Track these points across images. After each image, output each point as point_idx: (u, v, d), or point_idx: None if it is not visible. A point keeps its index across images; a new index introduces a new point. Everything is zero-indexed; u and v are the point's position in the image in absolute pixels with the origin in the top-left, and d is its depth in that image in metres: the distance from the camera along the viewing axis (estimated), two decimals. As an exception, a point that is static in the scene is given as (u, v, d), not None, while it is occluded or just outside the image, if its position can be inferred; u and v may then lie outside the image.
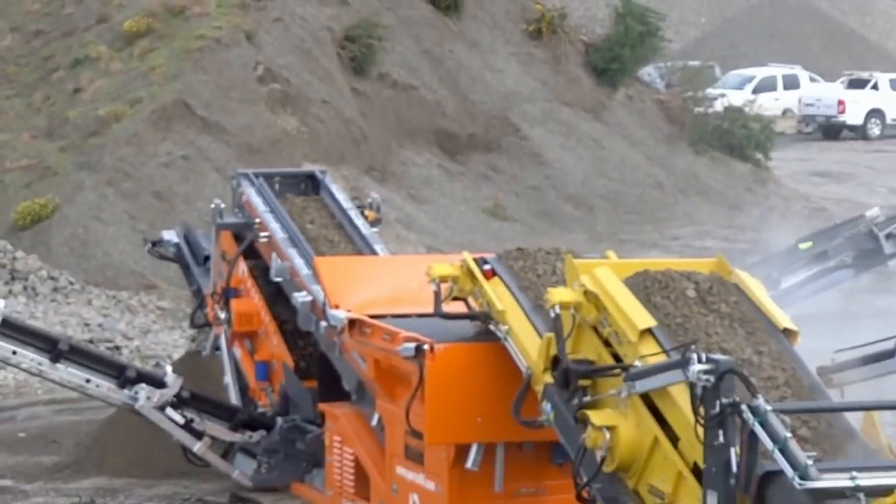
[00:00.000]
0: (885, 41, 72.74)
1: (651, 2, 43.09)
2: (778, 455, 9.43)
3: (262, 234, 16.17)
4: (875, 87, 56.37)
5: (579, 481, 11.24)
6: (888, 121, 54.44)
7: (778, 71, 57.45)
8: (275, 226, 16.20)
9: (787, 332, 11.18)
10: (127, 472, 17.84)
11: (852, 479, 9.18)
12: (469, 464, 12.92)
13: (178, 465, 16.79)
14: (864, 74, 58.76)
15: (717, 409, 9.66)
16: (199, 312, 18.10)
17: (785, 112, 52.70)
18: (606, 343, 11.20)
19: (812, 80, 58.26)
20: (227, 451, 16.29)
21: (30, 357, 15.65)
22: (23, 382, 19.97)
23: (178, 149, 30.64)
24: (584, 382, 11.19)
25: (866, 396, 11.97)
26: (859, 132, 55.02)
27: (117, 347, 20.68)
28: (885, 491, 9.01)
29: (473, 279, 12.95)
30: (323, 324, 14.74)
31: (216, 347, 17.34)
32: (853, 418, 10.61)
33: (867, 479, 9.26)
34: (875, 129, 54.57)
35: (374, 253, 16.38)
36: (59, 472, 18.37)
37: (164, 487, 17.36)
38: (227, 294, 16.93)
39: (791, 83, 56.37)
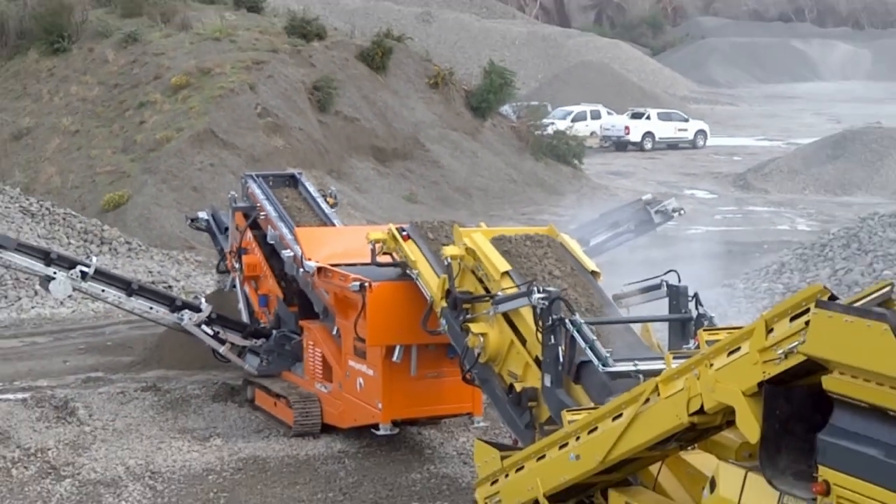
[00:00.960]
0: (653, 89, 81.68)
1: (506, 63, 53.01)
2: (588, 351, 11.84)
3: (261, 213, 19.83)
4: (648, 117, 67.07)
5: (464, 368, 13.91)
6: (657, 139, 65.59)
7: (587, 108, 68.35)
8: (269, 208, 19.40)
9: (594, 273, 14.24)
10: (176, 366, 21.62)
11: (635, 365, 11.72)
12: (394, 357, 16.23)
13: (209, 361, 20.59)
14: (641, 110, 69.33)
15: (550, 322, 12.02)
16: (221, 263, 21.99)
17: (591, 133, 63.06)
18: (480, 281, 13.68)
19: (609, 113, 69.00)
20: (241, 352, 19.86)
21: (114, 293, 19.56)
22: (110, 310, 22.90)
23: (207, 159, 36.90)
24: (466, 306, 13.91)
25: (643, 313, 13.88)
26: (638, 146, 65.16)
27: (170, 287, 23.74)
28: (655, 373, 10.52)
29: (396, 241, 16.06)
30: (301, 270, 18.23)
31: (233, 286, 21.14)
32: (636, 328, 13.44)
33: (644, 365, 11.64)
34: (648, 144, 65.61)
35: (332, 225, 20.06)
36: (133, 367, 22.24)
37: (200, 376, 20.99)
38: (240, 252, 20.65)
39: (595, 115, 67.58)
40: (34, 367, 21.93)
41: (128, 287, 19.76)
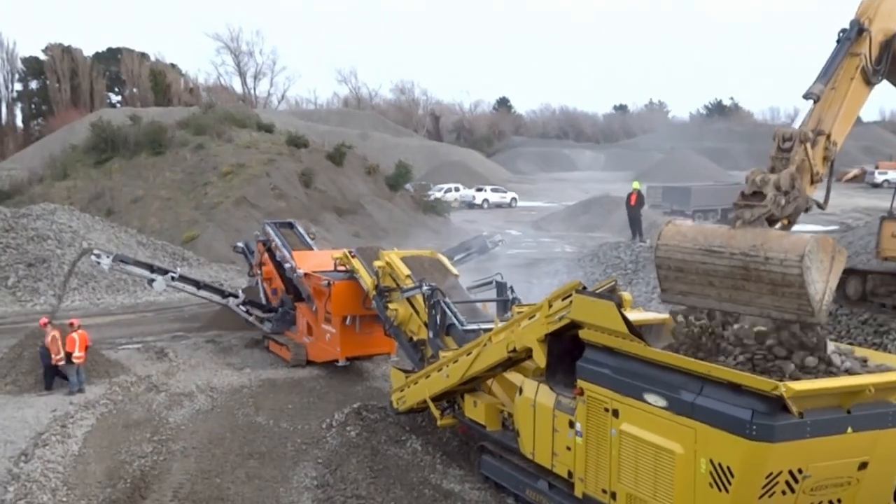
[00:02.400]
0: (487, 175, 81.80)
1: (407, 161, 50.25)
2: (453, 318, 11.76)
3: (273, 242, 19.13)
4: (485, 190, 64.64)
5: (385, 328, 13.78)
6: (490, 202, 62.39)
7: (452, 185, 64.45)
8: (277, 240, 18.66)
9: (455, 276, 14.17)
10: (225, 328, 20.79)
11: (479, 326, 11.53)
12: (347, 322, 16.20)
13: (243, 325, 19.98)
14: (481, 186, 66.59)
15: (432, 302, 11.96)
16: (250, 271, 21.16)
17: (454, 199, 59.76)
18: (394, 280, 13.42)
19: (465, 188, 65.38)
20: (261, 319, 19.37)
21: (190, 288, 19.41)
22: (187, 298, 21.59)
23: (243, 214, 35.39)
24: (386, 294, 13.41)
25: (483, 296, 13.88)
26: (480, 206, 61.84)
27: (221, 284, 22.51)
28: (489, 330, 10.40)
29: (348, 258, 15.23)
30: (295, 274, 17.85)
31: (257, 283, 20.36)
32: (479, 305, 12.82)
33: (483, 326, 11.38)
34: (485, 205, 62.12)
35: (312, 249, 19.18)
36: (197, 329, 21.40)
37: (238, 333, 20.22)
38: (261, 264, 20.14)
39: (456, 189, 63.66)
40: (144, 329, 21.46)
41: (197, 284, 19.54)
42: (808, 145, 9.87)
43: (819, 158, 10.09)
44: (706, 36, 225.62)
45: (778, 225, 9.57)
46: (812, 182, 9.93)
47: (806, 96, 10.21)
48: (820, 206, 9.93)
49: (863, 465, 6.85)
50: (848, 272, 16.07)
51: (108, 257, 18.56)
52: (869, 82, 10.58)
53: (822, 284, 8.72)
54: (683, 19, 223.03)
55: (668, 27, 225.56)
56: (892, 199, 16.32)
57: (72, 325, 15.57)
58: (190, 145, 42.33)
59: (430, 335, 12.36)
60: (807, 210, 9.84)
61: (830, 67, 10.46)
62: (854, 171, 75.34)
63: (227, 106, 61.61)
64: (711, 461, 6.80)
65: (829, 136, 10.10)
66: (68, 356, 15.16)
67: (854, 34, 10.27)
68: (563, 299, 8.84)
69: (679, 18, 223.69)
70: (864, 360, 7.36)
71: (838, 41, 10.46)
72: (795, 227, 9.64)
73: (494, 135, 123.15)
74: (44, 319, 15.90)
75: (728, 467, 6.67)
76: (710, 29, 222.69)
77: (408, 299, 13.13)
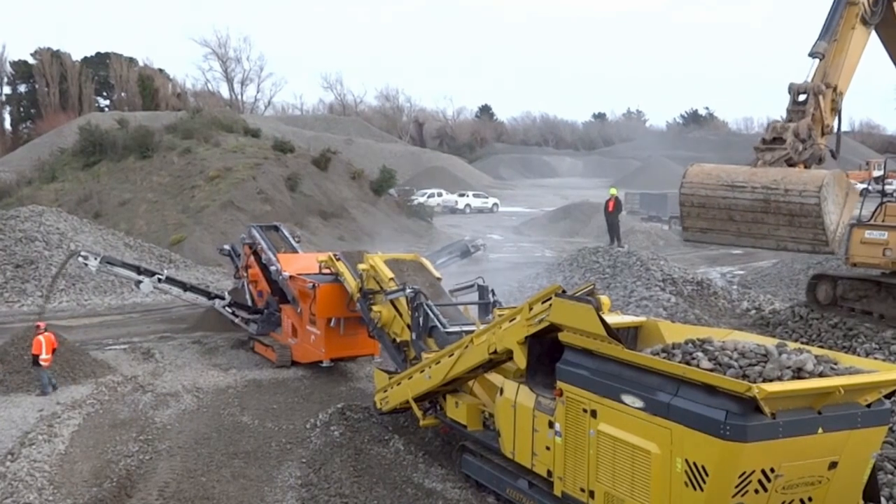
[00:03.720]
0: (469, 181, 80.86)
1: (391, 166, 50.07)
2: (435, 320, 11.64)
3: (259, 245, 19.01)
4: (467, 195, 64.69)
5: (369, 330, 13.59)
6: (472, 207, 62.44)
7: (435, 190, 64.24)
8: (263, 243, 18.51)
9: (438, 279, 14.08)
10: (211, 329, 20.51)
11: (460, 328, 11.45)
12: (331, 324, 16.05)
13: (229, 327, 19.85)
14: (463, 192, 66.49)
15: (415, 304, 11.87)
16: (236, 273, 20.96)
17: (437, 204, 58.93)
18: (377, 283, 13.31)
19: (448, 193, 65.33)
20: (247, 321, 19.19)
21: (176, 290, 19.33)
22: (173, 300, 21.63)
23: (229, 217, 35.19)
24: (370, 296, 13.31)
25: (465, 299, 13.62)
26: (462, 211, 61.99)
27: (207, 286, 22.25)
28: (471, 332, 10.39)
29: (332, 261, 15.11)
30: (281, 277, 17.75)
31: (243, 285, 20.14)
32: (461, 308, 12.78)
33: (465, 328, 11.35)
34: (467, 210, 62.21)
35: (297, 252, 19.28)
36: (184, 330, 21.06)
37: (224, 334, 19.99)
38: (246, 267, 19.90)
39: (439, 195, 63.39)
40: (130, 330, 21.27)
41: (184, 286, 19.45)
42: (821, 97, 10.59)
43: (828, 110, 10.86)
44: (683, 46, 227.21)
45: (798, 168, 10.15)
46: (823, 133, 10.79)
47: (812, 55, 11.03)
48: (833, 155, 10.96)
49: (833, 465, 6.91)
50: (819, 277, 16.46)
51: (95, 259, 18.40)
52: (867, 24, 11.27)
53: (836, 216, 9.34)
54: (661, 29, 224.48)
55: (646, 37, 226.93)
56: (860, 207, 16.64)
57: (38, 327, 15.22)
58: (177, 149, 42.10)
59: (413, 337, 12.31)
60: (820, 161, 10.59)
61: (832, 23, 11.13)
62: None
63: (214, 111, 61.32)
64: (687, 461, 6.83)
65: (835, 88, 10.77)
66: (35, 358, 14.85)
67: None
68: (543, 302, 8.83)
69: (657, 28, 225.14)
70: (835, 363, 7.40)
71: None
72: None
73: (477, 141, 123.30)
74: (40, 324, 15.62)
75: (703, 466, 6.71)
76: (686, 39, 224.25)
77: (391, 302, 13.07)
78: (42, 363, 14.84)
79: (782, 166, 10.17)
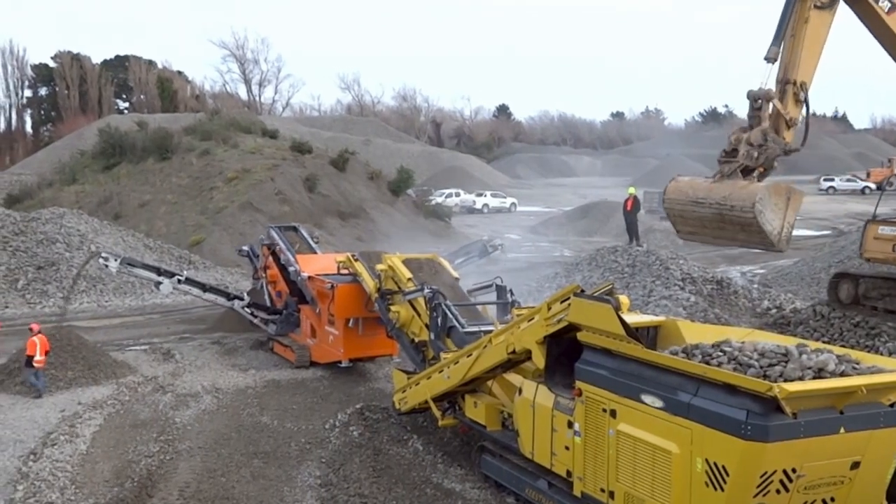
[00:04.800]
0: (487, 180, 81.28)
1: (409, 166, 49.31)
2: (454, 320, 11.64)
3: (277, 246, 19.08)
4: (485, 195, 64.29)
5: (387, 330, 13.57)
6: (490, 207, 62.27)
7: (453, 190, 64.11)
8: (282, 244, 18.57)
9: (457, 279, 14.09)
10: (231, 330, 20.62)
11: (479, 328, 11.41)
12: (350, 324, 16.01)
13: (248, 327, 19.78)
14: (481, 191, 66.20)
15: (433, 305, 11.85)
16: (255, 274, 20.89)
17: (455, 204, 58.93)
18: (396, 283, 13.28)
19: (466, 193, 64.97)
20: (266, 321, 19.18)
21: (196, 291, 19.24)
22: (193, 300, 21.65)
23: (247, 218, 35.36)
24: (388, 297, 13.82)
25: (483, 299, 13.77)
26: (480, 211, 61.71)
27: (227, 287, 22.36)
28: (489, 332, 10.42)
29: (351, 262, 15.05)
30: (300, 277, 17.77)
31: (262, 286, 20.02)
32: (479, 308, 12.70)
33: (483, 328, 11.31)
34: (485, 210, 61.85)
35: (316, 253, 19.41)
36: (203, 331, 21.18)
37: (244, 335, 20.08)
38: (265, 267, 19.87)
39: (457, 195, 63.11)
40: (151, 331, 21.41)
41: (203, 287, 19.48)
42: (775, 100, 11.61)
43: (791, 104, 11.76)
44: (702, 44, 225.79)
45: (756, 172, 11.53)
46: (788, 127, 11.79)
47: (766, 59, 11.83)
48: (794, 151, 11.99)
49: (855, 465, 6.85)
50: (840, 276, 16.47)
51: (115, 260, 18.52)
52: (824, 8, 11.96)
53: (777, 221, 10.88)
54: (680, 27, 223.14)
55: (665, 35, 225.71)
56: (877, 203, 16.78)
57: (31, 329, 15.24)
58: (196, 151, 42.36)
59: (432, 337, 12.29)
60: (787, 153, 11.82)
61: (783, 23, 11.89)
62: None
63: (232, 112, 61.62)
64: (707, 461, 6.79)
65: (795, 82, 11.67)
66: (29, 360, 14.89)
67: None
68: (562, 302, 8.81)
69: (675, 26, 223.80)
70: (857, 362, 7.34)
71: None
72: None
73: (494, 141, 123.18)
74: (33, 326, 15.59)
75: (723, 466, 6.67)
76: (705, 36, 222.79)
77: (410, 302, 13.07)
78: (35, 364, 14.91)
79: (738, 176, 11.53)
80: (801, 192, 11.52)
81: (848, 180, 73.40)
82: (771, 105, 11.65)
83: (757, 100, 11.64)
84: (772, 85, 11.84)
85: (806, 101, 11.89)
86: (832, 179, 73.95)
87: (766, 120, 11.70)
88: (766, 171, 11.78)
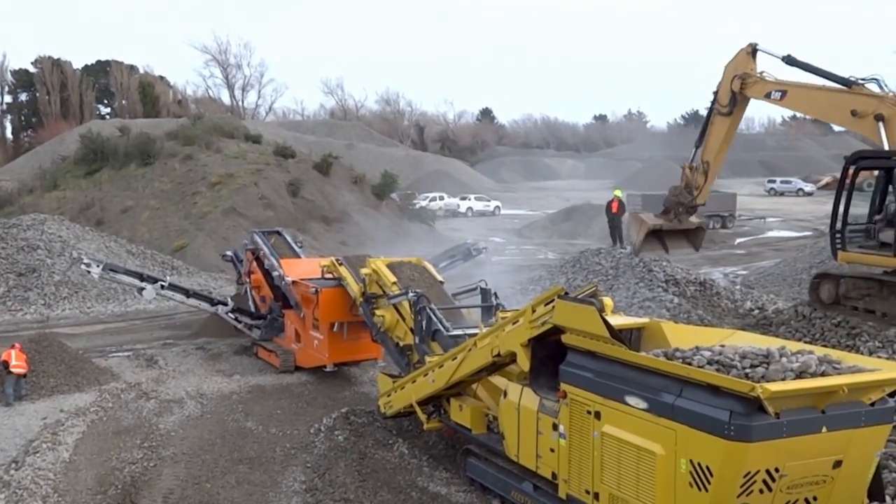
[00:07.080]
0: (471, 184, 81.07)
1: (393, 170, 49.52)
2: (439, 324, 11.64)
3: (261, 251, 19.11)
4: (469, 199, 64.71)
5: (372, 334, 13.58)
6: (474, 210, 62.76)
7: (437, 194, 63.60)
8: (266, 249, 18.54)
9: (441, 282, 14.10)
10: (214, 335, 20.58)
11: (463, 331, 11.45)
12: (335, 329, 16.02)
13: (232, 332, 19.72)
14: (465, 195, 66.40)
15: (418, 308, 11.82)
16: (239, 279, 21.11)
17: (439, 208, 58.55)
18: (380, 287, 13.24)
19: (450, 197, 64.96)
20: (250, 326, 19.13)
21: (179, 296, 19.23)
22: (176, 306, 21.64)
23: (231, 223, 35.07)
24: (373, 301, 13.80)
25: (468, 302, 13.54)
26: (465, 215, 61.81)
27: (210, 292, 22.27)
28: (474, 335, 10.43)
29: (335, 266, 15.05)
30: (284, 282, 17.76)
31: (246, 291, 20.24)
32: (464, 311, 12.79)
33: (468, 331, 11.35)
34: (469, 214, 62.20)
35: (300, 258, 19.28)
36: (188, 337, 21.10)
37: (228, 340, 20.01)
38: (249, 272, 19.99)
39: (441, 198, 62.79)
40: (134, 337, 21.33)
41: (187, 292, 19.44)
42: (687, 170, 19.57)
43: (700, 176, 19.30)
44: (683, 46, 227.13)
45: (680, 209, 20.33)
46: (700, 190, 19.70)
47: (695, 146, 19.39)
48: (699, 205, 20.08)
49: (837, 464, 6.91)
50: (821, 276, 16.53)
51: (98, 266, 18.43)
52: (725, 115, 18.18)
53: (636, 239, 20.86)
54: (661, 29, 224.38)
55: (646, 37, 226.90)
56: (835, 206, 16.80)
57: (14, 346, 15.60)
58: (179, 156, 42.12)
59: (417, 340, 12.29)
60: (693, 207, 20.18)
61: (706, 122, 19.07)
62: (826, 179, 79.21)
63: (215, 117, 61.29)
64: (691, 461, 6.82)
65: (706, 162, 19.01)
66: (5, 365, 15.01)
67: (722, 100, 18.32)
68: (546, 305, 8.80)
69: (657, 28, 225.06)
70: (838, 362, 7.38)
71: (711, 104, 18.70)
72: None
73: (478, 145, 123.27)
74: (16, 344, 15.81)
75: (707, 467, 6.70)
76: (687, 38, 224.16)
77: (394, 306, 13.06)
78: (13, 370, 15.01)
79: (666, 214, 20.71)
80: (647, 222, 20.84)
81: (783, 182, 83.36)
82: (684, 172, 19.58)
83: (682, 167, 19.86)
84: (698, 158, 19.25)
85: (706, 174, 19.17)
86: (774, 181, 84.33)
87: (682, 181, 19.75)
88: (688, 211, 20.34)
